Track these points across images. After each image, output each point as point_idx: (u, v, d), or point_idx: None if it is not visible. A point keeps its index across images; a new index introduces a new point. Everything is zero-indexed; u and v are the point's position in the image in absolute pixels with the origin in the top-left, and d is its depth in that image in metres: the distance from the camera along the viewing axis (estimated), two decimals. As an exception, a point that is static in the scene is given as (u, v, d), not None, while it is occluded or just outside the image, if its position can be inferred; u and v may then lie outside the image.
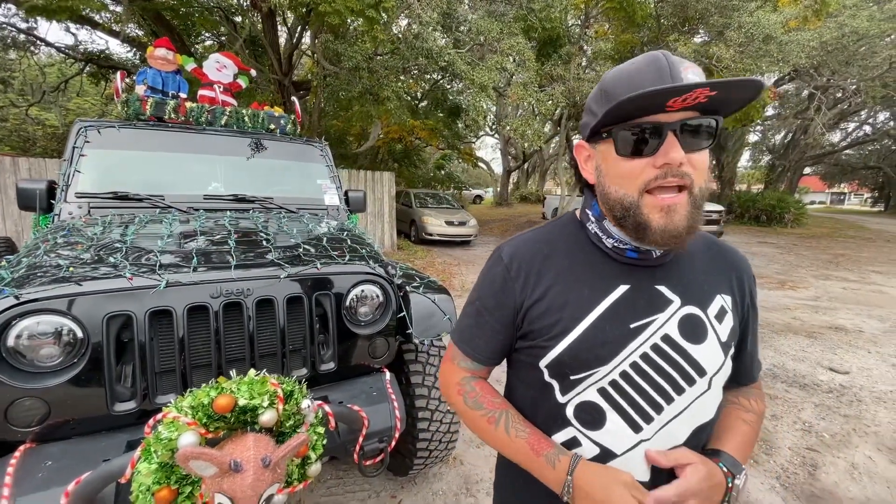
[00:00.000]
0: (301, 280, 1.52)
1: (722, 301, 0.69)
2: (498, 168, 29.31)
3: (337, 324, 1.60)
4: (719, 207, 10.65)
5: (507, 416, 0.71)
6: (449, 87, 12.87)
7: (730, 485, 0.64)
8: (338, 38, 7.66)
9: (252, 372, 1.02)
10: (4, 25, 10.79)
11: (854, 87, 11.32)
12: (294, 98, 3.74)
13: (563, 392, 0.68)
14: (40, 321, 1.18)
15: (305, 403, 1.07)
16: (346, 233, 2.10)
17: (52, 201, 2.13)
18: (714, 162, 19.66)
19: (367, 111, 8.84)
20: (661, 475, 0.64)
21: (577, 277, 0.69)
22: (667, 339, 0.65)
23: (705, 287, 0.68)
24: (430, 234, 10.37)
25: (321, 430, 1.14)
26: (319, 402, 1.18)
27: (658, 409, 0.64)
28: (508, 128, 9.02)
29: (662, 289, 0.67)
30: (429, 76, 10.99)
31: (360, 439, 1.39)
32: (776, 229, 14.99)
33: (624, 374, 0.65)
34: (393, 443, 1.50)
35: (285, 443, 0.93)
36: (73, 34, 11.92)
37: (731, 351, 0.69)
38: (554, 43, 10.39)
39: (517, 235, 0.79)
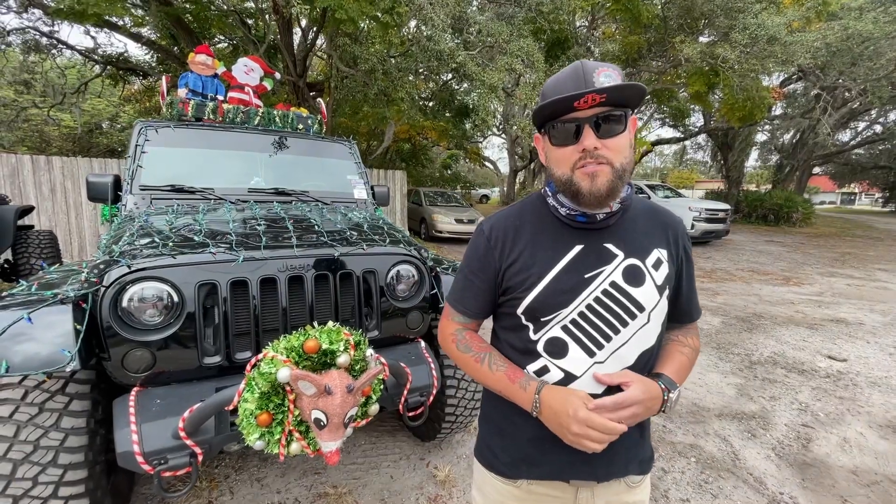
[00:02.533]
0: (351, 258, 1.76)
1: (658, 253, 0.86)
2: (504, 168, 29.49)
3: (379, 298, 1.84)
4: (726, 206, 10.77)
5: (489, 356, 0.90)
6: (458, 87, 13.11)
7: (665, 398, 0.80)
8: (354, 42, 7.93)
9: (330, 323, 1.26)
10: (28, 29, 11.15)
11: (861, 87, 11.38)
12: (320, 100, 3.99)
13: (535, 331, 0.85)
14: (146, 287, 1.43)
15: (369, 352, 1.31)
16: (381, 221, 2.34)
17: (119, 193, 2.39)
18: (721, 161, 19.70)
19: (381, 112, 9.09)
20: (613, 390, 0.79)
21: (541, 242, 0.86)
22: (613, 284, 0.82)
23: (644, 242, 0.86)
24: (441, 232, 10.62)
25: (380, 376, 1.37)
26: (377, 354, 1.42)
27: (608, 338, 0.82)
28: (516, 127, 9.23)
29: (609, 246, 0.84)
30: (438, 77, 11.23)
31: (405, 392, 1.63)
32: (784, 229, 15.05)
33: (581, 314, 0.82)
34: (431, 398, 1.74)
35: (364, 373, 1.17)
36: (93, 37, 12.28)
37: (667, 292, 0.86)
38: (562, 44, 10.60)
39: (495, 212, 0.97)
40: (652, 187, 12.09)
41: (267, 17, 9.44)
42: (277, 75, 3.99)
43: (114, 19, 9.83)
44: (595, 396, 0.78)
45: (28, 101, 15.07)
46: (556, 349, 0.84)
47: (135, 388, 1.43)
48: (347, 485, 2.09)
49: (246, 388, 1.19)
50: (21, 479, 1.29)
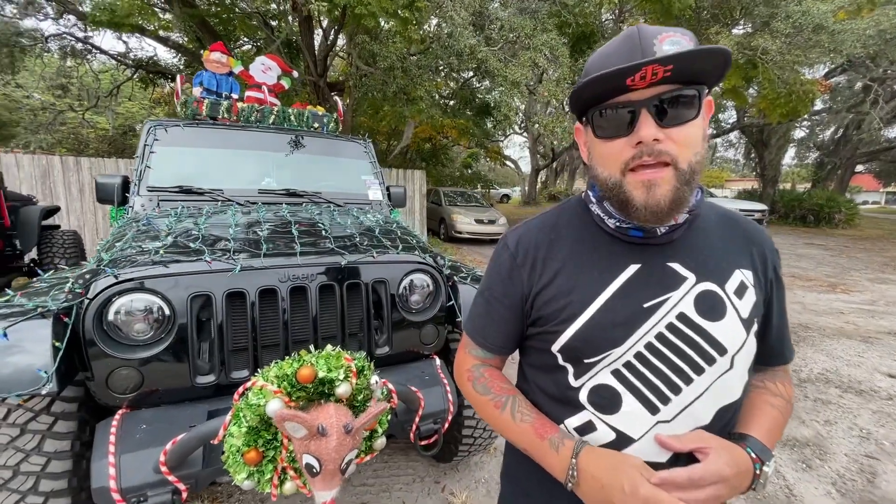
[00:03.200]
0: (359, 267, 1.60)
1: (742, 276, 0.65)
2: (526, 167, 29.04)
3: (390, 310, 1.67)
4: (762, 207, 10.19)
5: (513, 401, 0.71)
6: (479, 85, 12.88)
7: (757, 471, 0.59)
8: (373, 39, 7.83)
9: (329, 347, 1.10)
10: (64, 34, 11.57)
11: (916, 77, 10.54)
12: (337, 98, 3.88)
13: (577, 376, 0.66)
14: (134, 299, 1.30)
15: (374, 379, 1.14)
16: (394, 225, 2.17)
17: (127, 195, 2.31)
18: (755, 159, 18.74)
19: (400, 110, 8.97)
20: (682, 461, 0.60)
21: (584, 261, 0.68)
22: (682, 317, 0.62)
23: (722, 262, 0.66)
24: (460, 232, 10.42)
25: (386, 405, 1.20)
26: (384, 379, 1.25)
27: (676, 389, 0.62)
28: (538, 125, 8.94)
29: (675, 266, 0.64)
30: (459, 75, 11.04)
31: (417, 419, 1.45)
32: (825, 230, 14.16)
33: (639, 356, 0.63)
34: (446, 424, 1.56)
35: (365, 411, 1.00)
36: (125, 42, 12.68)
37: (755, 328, 0.65)
38: (588, 39, 10.21)
39: (524, 222, 0.78)
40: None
41: (289, 17, 9.47)
42: (295, 73, 3.90)
43: (143, 24, 10.11)
44: (656, 467, 0.58)
45: (65, 104, 15.69)
46: (606, 401, 0.64)
47: (120, 410, 1.30)
48: (356, 510, 1.94)
49: (232, 421, 1.04)
50: (-3, 508, 1.18)
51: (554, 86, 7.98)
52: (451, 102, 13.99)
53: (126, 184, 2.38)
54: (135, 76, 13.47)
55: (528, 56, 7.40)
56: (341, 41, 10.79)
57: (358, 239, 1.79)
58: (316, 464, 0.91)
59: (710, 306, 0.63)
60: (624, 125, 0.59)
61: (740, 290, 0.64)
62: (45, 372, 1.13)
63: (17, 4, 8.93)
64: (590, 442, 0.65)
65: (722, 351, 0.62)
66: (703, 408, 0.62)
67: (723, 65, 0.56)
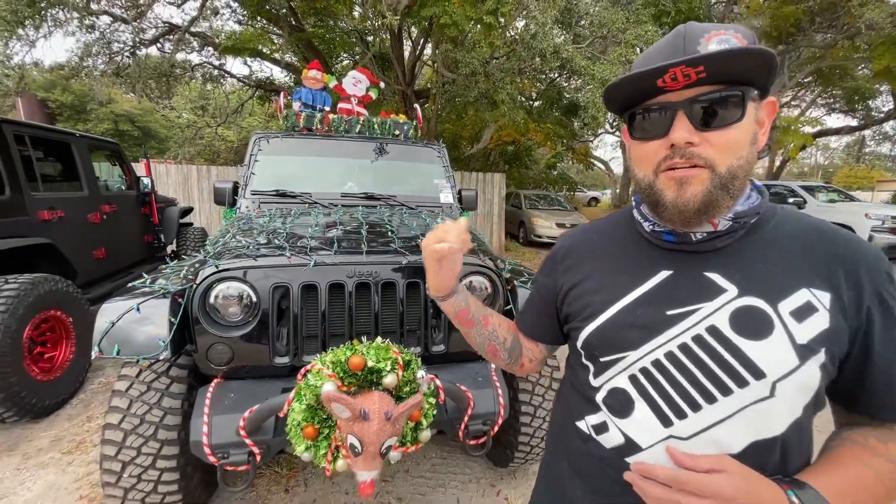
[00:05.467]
0: (419, 267, 1.68)
1: (809, 296, 0.56)
2: (618, 168, 27.23)
3: (448, 310, 1.72)
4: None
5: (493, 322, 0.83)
6: (566, 84, 12.43)
7: None
8: (456, 47, 8.03)
9: (379, 339, 1.18)
10: (205, 64, 13.87)
11: None
12: (416, 105, 4.08)
13: (596, 375, 0.68)
14: (230, 286, 1.53)
15: (420, 374, 1.20)
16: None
17: (236, 197, 2.71)
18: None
19: (482, 115, 9.06)
20: None
21: (617, 264, 0.69)
22: (713, 330, 0.58)
23: (781, 278, 0.57)
24: (540, 236, 10.16)
25: (432, 400, 1.26)
26: (432, 375, 1.30)
27: (695, 406, 0.57)
28: (631, 124, 8.32)
29: (713, 276, 0.60)
30: (545, 75, 10.78)
31: (466, 419, 1.48)
32: None
33: (656, 363, 0.60)
34: (496, 428, 1.56)
35: (404, 402, 1.06)
36: (249, 66, 14.78)
37: (821, 358, 0.54)
38: (691, 26, 9.28)
39: (580, 226, 0.83)
40: (810, 189, 9.83)
41: (383, 32, 10.16)
42: (382, 84, 4.20)
43: (262, 48, 11.69)
44: None
45: (203, 122, 18.73)
46: (619, 405, 0.64)
47: (216, 380, 1.54)
48: (412, 499, 2.02)
49: (295, 398, 1.18)
50: (129, 447, 1.48)
51: (648, 81, 7.36)
52: (537, 103, 13.73)
53: (236, 188, 2.79)
54: (255, 94, 15.62)
55: (618, 52, 6.97)
56: (428, 50, 11.26)
57: (421, 240, 1.88)
58: (358, 445, 1.00)
59: (752, 324, 0.56)
60: (660, 127, 0.58)
61: (803, 312, 0.55)
62: (163, 342, 1.39)
63: (173, 43, 10.93)
64: (602, 442, 0.66)
65: (758, 375, 0.55)
66: (730, 435, 0.56)
67: (765, 66, 0.52)
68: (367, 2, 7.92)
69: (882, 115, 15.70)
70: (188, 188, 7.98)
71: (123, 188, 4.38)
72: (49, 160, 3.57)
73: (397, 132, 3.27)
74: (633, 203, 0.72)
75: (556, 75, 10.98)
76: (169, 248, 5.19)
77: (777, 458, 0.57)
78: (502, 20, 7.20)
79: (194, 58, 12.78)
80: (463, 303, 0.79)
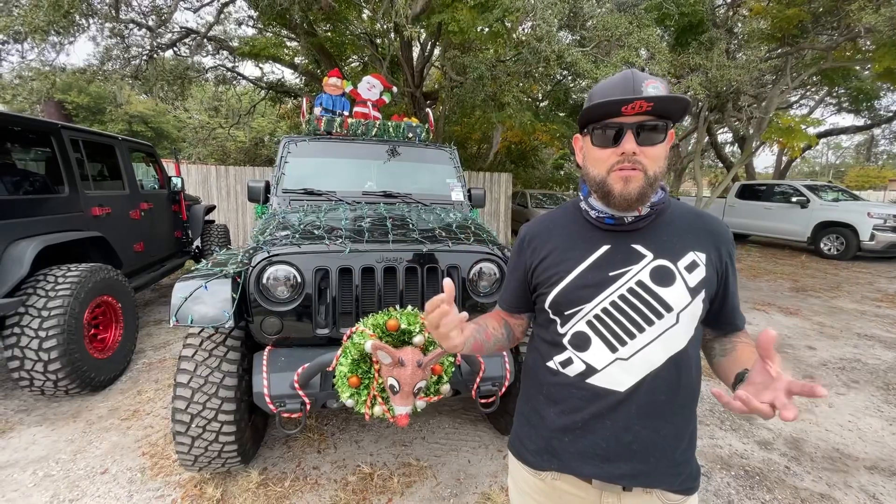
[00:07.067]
0: (436, 254, 1.96)
1: (694, 256, 0.84)
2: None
3: (462, 292, 2.00)
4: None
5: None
6: (572, 85, 12.65)
7: None
8: (464, 52, 8.29)
9: (409, 307, 1.47)
10: (218, 66, 14.27)
11: None
12: (428, 110, 4.36)
13: (562, 325, 0.89)
14: (279, 269, 1.82)
15: (442, 337, 1.48)
16: (470, 222, 2.50)
17: (268, 195, 3.01)
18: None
19: (489, 116, 9.31)
20: (639, 391, 0.81)
21: (570, 243, 0.92)
22: (640, 283, 0.83)
23: (678, 245, 0.85)
24: (545, 235, 10.38)
25: (451, 359, 1.53)
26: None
27: (631, 335, 0.83)
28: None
29: (637, 246, 0.86)
30: (551, 77, 11.01)
31: (478, 380, 1.76)
32: None
33: (604, 310, 0.85)
34: (503, 389, 1.84)
35: (430, 353, 1.34)
36: (260, 68, 15.14)
37: (702, 295, 0.83)
38: (695, 29, 9.44)
39: (537, 216, 1.04)
40: (814, 189, 9.97)
41: (391, 35, 10.45)
42: (395, 89, 4.48)
43: (275, 52, 12.04)
44: (613, 395, 0.83)
45: (216, 123, 19.19)
46: (580, 342, 0.88)
47: (268, 347, 1.84)
48: (429, 460, 2.31)
49: (342, 354, 1.46)
50: (195, 402, 1.78)
51: (651, 83, 7.57)
52: (543, 104, 13.95)
53: (268, 187, 3.09)
54: (266, 96, 16.00)
55: (621, 55, 7.19)
56: (437, 51, 11.54)
57: (438, 232, 2.16)
58: (396, 384, 1.28)
59: (663, 276, 0.83)
60: (612, 139, 0.83)
61: (691, 266, 0.84)
62: (227, 313, 1.69)
63: (189, 46, 11.33)
64: (567, 373, 0.89)
65: (668, 309, 0.82)
66: (655, 353, 0.82)
67: (684, 109, 0.80)
68: (378, 8, 8.22)
69: (890, 115, 15.73)
70: (207, 187, 8.34)
71: (157, 187, 4.71)
72: (96, 161, 3.90)
73: (411, 135, 3.55)
74: (581, 197, 0.95)
75: (562, 77, 11.21)
76: (194, 244, 5.53)
77: (683, 362, 0.85)
78: (509, 24, 7.45)
79: (208, 61, 13.15)
80: (471, 342, 0.90)
